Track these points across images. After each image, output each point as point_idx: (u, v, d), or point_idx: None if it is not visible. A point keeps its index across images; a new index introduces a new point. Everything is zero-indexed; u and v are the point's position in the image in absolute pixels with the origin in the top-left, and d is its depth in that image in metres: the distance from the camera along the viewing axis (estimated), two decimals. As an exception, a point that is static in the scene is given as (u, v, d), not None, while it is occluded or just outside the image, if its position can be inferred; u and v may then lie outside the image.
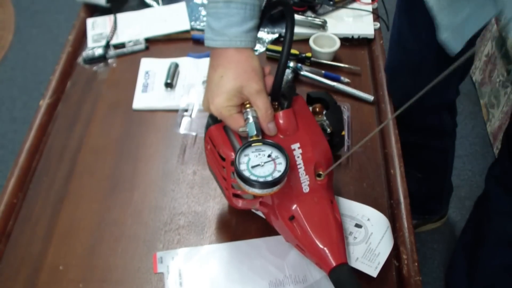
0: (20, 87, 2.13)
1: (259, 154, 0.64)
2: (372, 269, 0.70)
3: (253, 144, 0.64)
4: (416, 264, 0.74)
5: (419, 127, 1.20)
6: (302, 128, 0.69)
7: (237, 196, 0.69)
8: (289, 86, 0.69)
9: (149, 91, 0.99)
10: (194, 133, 0.90)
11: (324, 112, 0.74)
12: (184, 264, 0.74)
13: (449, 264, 1.52)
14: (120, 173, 0.86)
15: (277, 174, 0.62)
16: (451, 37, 0.84)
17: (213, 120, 0.70)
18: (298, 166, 0.67)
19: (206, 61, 1.04)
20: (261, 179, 0.62)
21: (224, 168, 0.67)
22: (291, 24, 0.66)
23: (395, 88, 0.99)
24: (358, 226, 0.75)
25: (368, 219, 0.76)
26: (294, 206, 0.67)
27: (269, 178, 0.62)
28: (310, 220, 0.66)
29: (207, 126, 0.71)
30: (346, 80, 1.00)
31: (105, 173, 0.86)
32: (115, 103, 0.98)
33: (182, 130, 0.89)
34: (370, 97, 0.98)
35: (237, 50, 0.66)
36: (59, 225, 0.79)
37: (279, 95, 0.68)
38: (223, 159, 0.67)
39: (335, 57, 1.06)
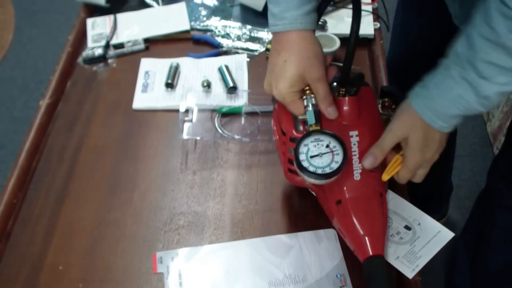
0: (20, 87, 2.13)
1: (318, 144, 0.66)
2: (409, 270, 0.71)
3: (312, 134, 0.66)
4: (416, 264, 0.74)
5: None
6: (365, 117, 0.71)
7: (292, 172, 0.71)
8: (358, 75, 0.71)
9: (149, 91, 0.99)
10: (198, 137, 0.90)
11: (393, 107, 0.75)
12: (184, 264, 0.74)
13: (450, 262, 1.51)
14: (120, 173, 0.86)
15: (334, 166, 0.65)
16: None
17: None
18: (353, 153, 0.69)
19: (206, 61, 1.05)
20: (319, 171, 0.64)
21: (284, 143, 0.69)
22: (358, 13, 0.68)
23: (396, 82, 0.99)
24: (407, 228, 0.75)
25: (419, 224, 0.76)
26: (343, 191, 0.68)
27: (327, 170, 0.64)
28: (356, 207, 0.68)
29: (276, 101, 0.72)
30: (346, 80, 1.00)
31: (105, 173, 0.86)
32: (115, 103, 0.98)
33: (185, 135, 0.89)
34: (370, 97, 0.98)
35: (298, 34, 0.67)
36: (59, 225, 0.79)
37: (347, 82, 0.70)
38: (284, 134, 0.69)
39: (335, 57, 1.05)
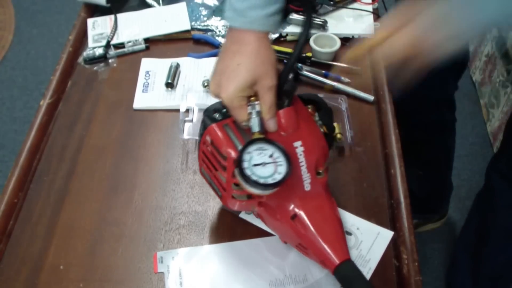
0: (20, 87, 2.13)
1: (261, 153, 0.64)
2: (364, 273, 0.70)
3: (256, 142, 0.64)
4: (416, 264, 0.74)
5: (420, 122, 1.20)
6: (303, 126, 0.69)
7: (234, 197, 0.68)
8: (292, 84, 0.69)
9: (150, 91, 0.99)
10: (198, 138, 0.90)
11: (315, 114, 0.75)
12: (185, 264, 0.74)
13: (450, 262, 1.51)
14: (121, 173, 0.86)
15: (277, 177, 0.62)
16: None
17: (211, 119, 0.69)
18: (301, 164, 0.67)
19: (206, 61, 1.05)
20: (261, 180, 0.62)
21: (224, 168, 0.66)
22: (309, 22, 0.65)
23: (395, 84, 0.99)
24: (348, 233, 0.76)
25: (358, 228, 0.77)
26: (297, 205, 0.67)
27: (269, 180, 0.62)
28: (313, 218, 0.66)
29: (205, 126, 0.69)
30: (347, 80, 1.00)
31: (105, 172, 0.86)
32: (115, 103, 0.98)
33: (186, 135, 0.89)
34: (371, 97, 0.98)
35: (256, 35, 0.65)
36: (59, 224, 0.79)
37: (281, 93, 0.68)
38: (225, 158, 0.66)
39: (336, 57, 1.06)
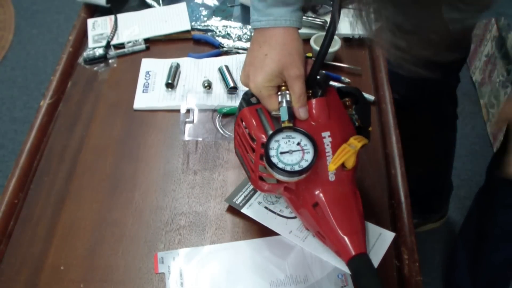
0: (20, 87, 2.13)
1: (289, 141, 0.66)
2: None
3: (284, 130, 0.66)
4: (416, 264, 0.74)
5: (421, 116, 1.20)
6: (334, 117, 0.70)
7: (262, 179, 0.70)
8: (325, 75, 0.71)
9: (150, 91, 0.99)
10: (200, 139, 0.90)
11: (353, 107, 0.75)
12: (185, 265, 0.74)
13: (449, 261, 1.51)
14: (121, 173, 0.86)
15: (304, 164, 0.64)
16: None
17: (246, 102, 0.72)
18: (327, 154, 0.68)
19: (206, 61, 1.05)
20: (288, 168, 0.64)
21: (253, 150, 0.68)
22: (338, 10, 0.65)
23: (396, 76, 0.99)
24: None
25: None
26: (319, 194, 0.68)
27: (296, 167, 0.64)
28: (333, 209, 0.67)
29: (240, 108, 0.72)
30: (347, 80, 1.00)
31: (106, 173, 0.86)
32: (115, 103, 0.98)
33: (186, 137, 0.89)
34: (371, 97, 0.98)
35: (284, 30, 0.67)
36: (60, 225, 0.79)
37: (315, 84, 0.69)
38: (254, 140, 0.68)
39: (336, 57, 1.06)
